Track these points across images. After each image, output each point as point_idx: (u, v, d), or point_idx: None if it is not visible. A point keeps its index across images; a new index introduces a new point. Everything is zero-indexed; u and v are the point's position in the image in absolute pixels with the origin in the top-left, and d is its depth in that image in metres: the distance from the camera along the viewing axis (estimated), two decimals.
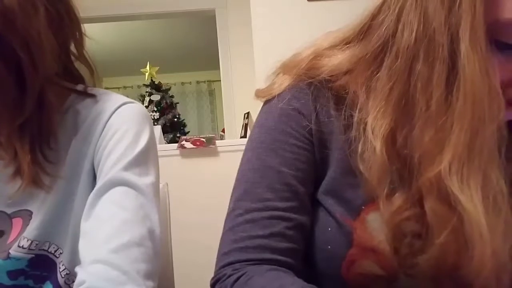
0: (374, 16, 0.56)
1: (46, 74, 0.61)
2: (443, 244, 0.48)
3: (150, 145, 0.66)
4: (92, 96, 0.68)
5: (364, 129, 0.54)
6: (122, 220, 0.58)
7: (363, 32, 0.58)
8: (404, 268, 0.52)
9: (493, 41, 0.47)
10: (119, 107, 0.66)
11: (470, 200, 0.46)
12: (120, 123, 0.65)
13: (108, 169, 0.62)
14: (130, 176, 0.61)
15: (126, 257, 0.55)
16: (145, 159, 0.64)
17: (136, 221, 0.58)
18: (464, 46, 0.46)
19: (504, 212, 0.47)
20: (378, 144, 0.52)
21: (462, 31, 0.46)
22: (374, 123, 0.53)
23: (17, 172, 0.60)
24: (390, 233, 0.52)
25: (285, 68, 0.63)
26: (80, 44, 0.66)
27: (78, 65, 0.71)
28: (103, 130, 0.65)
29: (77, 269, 0.56)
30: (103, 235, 0.56)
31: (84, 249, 0.57)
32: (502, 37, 0.47)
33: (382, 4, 0.55)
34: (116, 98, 0.68)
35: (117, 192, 0.60)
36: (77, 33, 0.66)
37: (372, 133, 0.52)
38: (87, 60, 0.68)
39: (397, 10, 0.52)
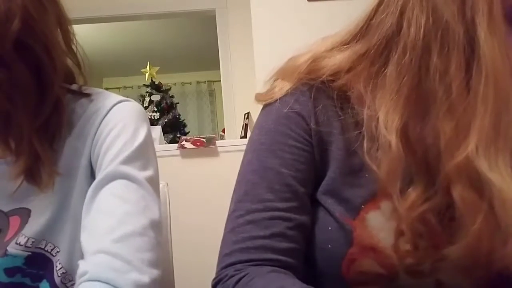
0: (371, 16, 0.57)
1: (62, 75, 0.62)
2: (478, 231, 0.48)
3: (148, 141, 0.67)
4: (87, 95, 0.68)
5: (376, 126, 0.54)
6: (124, 211, 0.58)
7: (362, 32, 0.59)
8: (427, 262, 0.51)
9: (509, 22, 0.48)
10: (115, 104, 0.67)
11: (501, 178, 0.47)
12: (117, 120, 0.65)
13: (107, 164, 0.62)
14: (130, 169, 0.62)
15: (130, 247, 0.55)
16: (144, 153, 0.65)
17: (137, 212, 0.59)
18: (482, 32, 0.47)
19: None
20: (393, 139, 0.52)
21: (479, 17, 0.47)
22: (386, 118, 0.53)
23: (22, 172, 0.60)
24: (408, 229, 0.51)
25: (283, 73, 0.63)
26: (67, 37, 0.65)
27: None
28: (99, 127, 0.65)
29: (80, 262, 0.56)
30: (105, 226, 0.57)
31: (86, 241, 0.57)
32: None
33: (379, 4, 0.56)
34: (112, 97, 0.68)
35: (117, 184, 0.61)
36: (63, 25, 0.65)
37: (386, 128, 0.53)
38: (75, 54, 0.67)
39: (399, 7, 0.53)
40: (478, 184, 0.48)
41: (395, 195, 0.52)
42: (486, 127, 0.47)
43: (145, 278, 0.54)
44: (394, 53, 0.54)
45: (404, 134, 0.52)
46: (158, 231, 0.60)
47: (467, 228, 0.48)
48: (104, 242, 0.55)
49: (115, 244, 0.55)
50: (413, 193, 0.52)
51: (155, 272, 0.56)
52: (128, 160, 0.62)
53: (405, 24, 0.52)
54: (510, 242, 0.46)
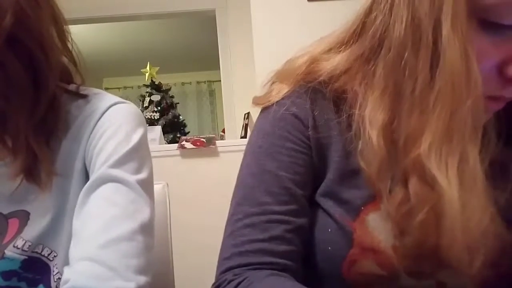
0: (367, 15, 0.57)
1: (58, 72, 0.61)
2: (423, 222, 0.49)
3: (142, 144, 0.65)
4: (84, 96, 0.67)
5: (363, 123, 0.54)
6: (111, 215, 0.56)
7: (358, 32, 0.59)
8: (427, 263, 0.52)
9: (482, 21, 0.48)
10: (110, 106, 0.65)
11: (445, 177, 0.47)
12: (111, 122, 0.64)
13: (98, 167, 0.61)
14: (121, 172, 0.60)
15: (115, 253, 0.53)
16: (137, 156, 0.63)
17: (126, 216, 0.57)
18: (445, 30, 0.47)
19: (479, 188, 0.48)
20: (374, 135, 0.52)
21: (444, 15, 0.48)
22: (371, 115, 0.53)
23: (20, 171, 0.60)
24: (397, 229, 0.52)
25: (281, 76, 0.63)
26: (62, 35, 0.64)
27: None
28: (93, 129, 0.64)
29: (64, 268, 0.55)
30: (91, 231, 0.55)
31: (73, 247, 0.56)
32: (491, 17, 0.48)
33: (373, 2, 0.56)
34: (108, 98, 0.67)
35: (108, 188, 0.59)
36: (58, 23, 0.64)
37: (370, 125, 0.53)
38: (71, 52, 0.66)
39: (388, 4, 0.53)
40: (429, 180, 0.49)
41: (385, 195, 0.52)
42: (441, 125, 0.48)
43: (131, 286, 0.52)
44: (383, 51, 0.54)
45: (385, 130, 0.52)
46: (149, 235, 0.58)
47: (415, 220, 0.49)
48: (88, 248, 0.54)
49: (99, 250, 0.53)
50: (400, 192, 0.52)
51: (142, 279, 0.54)
52: (119, 163, 0.61)
53: (391, 21, 0.53)
54: (446, 233, 0.47)
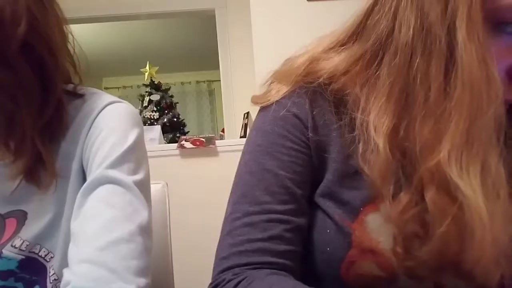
0: (368, 16, 0.57)
1: (64, 74, 0.62)
2: (445, 234, 0.48)
3: (138, 144, 0.65)
4: (81, 96, 0.67)
5: (367, 128, 0.54)
6: (110, 217, 0.56)
7: (358, 32, 0.58)
8: (426, 265, 0.51)
9: (496, 24, 0.47)
10: (105, 106, 0.65)
11: (470, 186, 0.46)
12: (106, 121, 0.64)
13: (95, 168, 0.61)
14: (117, 173, 0.60)
15: (114, 255, 0.53)
16: (133, 157, 0.63)
17: (124, 218, 0.57)
18: (461, 35, 0.47)
19: (503, 198, 0.47)
20: (381, 142, 0.51)
21: (459, 21, 0.47)
22: (376, 121, 0.53)
23: (21, 172, 0.60)
24: (399, 234, 0.51)
25: (280, 76, 0.62)
26: (63, 36, 0.64)
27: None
28: (89, 129, 0.64)
29: (64, 270, 0.54)
30: (90, 233, 0.55)
31: (72, 249, 0.56)
32: (506, 19, 0.47)
33: (375, 4, 0.56)
34: (104, 98, 0.67)
35: (104, 190, 0.59)
36: (60, 25, 0.64)
37: (375, 131, 0.52)
38: (71, 54, 0.66)
39: (393, 8, 0.53)
40: (448, 189, 0.48)
41: (388, 199, 0.52)
42: (459, 133, 0.47)
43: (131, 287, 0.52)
44: (386, 55, 0.53)
45: (392, 137, 0.52)
46: (147, 236, 0.58)
47: (435, 231, 0.49)
48: (88, 250, 0.54)
49: (99, 252, 0.53)
50: (404, 198, 0.51)
51: (143, 281, 0.54)
52: (115, 164, 0.61)
53: (397, 25, 0.52)
54: (475, 245, 0.47)
